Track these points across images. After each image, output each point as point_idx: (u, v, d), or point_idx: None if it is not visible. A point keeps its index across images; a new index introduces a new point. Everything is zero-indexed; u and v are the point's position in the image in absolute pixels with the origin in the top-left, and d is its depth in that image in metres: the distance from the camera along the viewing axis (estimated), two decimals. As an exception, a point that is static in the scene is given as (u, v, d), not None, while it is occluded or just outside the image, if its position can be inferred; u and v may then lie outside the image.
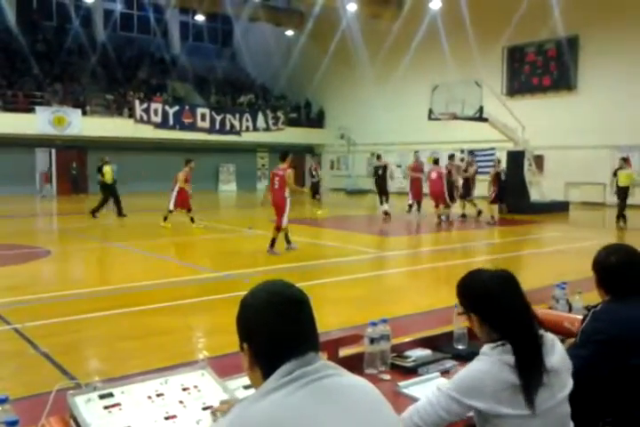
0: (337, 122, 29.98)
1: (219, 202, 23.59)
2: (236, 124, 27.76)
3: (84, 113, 24.32)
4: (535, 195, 17.85)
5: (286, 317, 1.28)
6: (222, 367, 2.16)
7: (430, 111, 17.34)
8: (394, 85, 25.56)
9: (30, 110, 23.26)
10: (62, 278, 8.35)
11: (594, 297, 2.34)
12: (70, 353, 4.71)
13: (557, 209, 17.81)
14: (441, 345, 2.54)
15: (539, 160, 20.20)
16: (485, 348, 1.73)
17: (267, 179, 23.26)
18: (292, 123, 29.82)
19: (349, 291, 7.07)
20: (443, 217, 14.82)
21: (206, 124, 26.88)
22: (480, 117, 16.23)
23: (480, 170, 17.00)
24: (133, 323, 5.58)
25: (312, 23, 27.77)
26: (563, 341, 2.30)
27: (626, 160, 14.51)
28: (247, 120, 28.07)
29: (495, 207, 15.10)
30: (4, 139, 22.20)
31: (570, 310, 2.89)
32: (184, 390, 1.80)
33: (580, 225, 15.35)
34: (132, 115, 25.14)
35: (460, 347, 2.51)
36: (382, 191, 15.67)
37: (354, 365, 2.09)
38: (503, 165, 16.16)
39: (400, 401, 1.95)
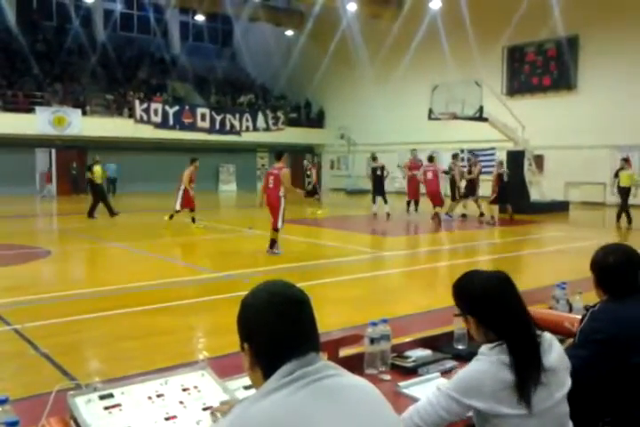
0: (337, 122, 30.00)
1: (219, 202, 23.59)
2: (236, 124, 27.77)
3: (84, 113, 24.35)
4: (535, 195, 17.85)
5: (287, 317, 1.28)
6: (222, 368, 2.17)
7: (430, 111, 17.34)
8: (394, 85, 25.57)
9: (30, 110, 23.28)
10: (62, 279, 8.35)
11: (594, 297, 2.34)
12: (70, 354, 4.71)
13: (557, 209, 17.81)
14: (441, 345, 2.54)
15: (539, 160, 20.20)
16: (483, 348, 1.73)
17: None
18: (291, 123, 29.83)
19: (349, 291, 7.07)
20: (446, 216, 14.81)
21: (206, 125, 26.89)
22: (480, 117, 16.23)
23: (482, 169, 16.99)
24: (133, 323, 5.57)
25: (312, 23, 27.79)
26: (562, 341, 2.30)
27: (626, 161, 14.53)
28: (247, 120, 28.08)
29: (495, 208, 15.09)
30: (4, 139, 22.21)
31: (570, 310, 2.89)
32: (184, 390, 1.80)
33: (580, 225, 15.34)
34: (132, 115, 25.15)
35: (461, 347, 2.51)
36: (380, 192, 15.71)
37: (354, 365, 2.09)
38: (505, 166, 16.15)
39: (400, 401, 1.95)
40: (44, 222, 16.55)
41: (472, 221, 15.05)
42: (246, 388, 1.87)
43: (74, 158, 24.94)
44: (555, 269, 8.24)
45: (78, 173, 24.92)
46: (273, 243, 9.52)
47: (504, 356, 1.67)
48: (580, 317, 2.33)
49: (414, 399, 1.91)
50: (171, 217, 13.12)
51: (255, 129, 28.23)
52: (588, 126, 20.20)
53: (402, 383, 2.12)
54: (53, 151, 24.84)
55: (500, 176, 14.98)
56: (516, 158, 17.33)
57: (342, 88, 29.30)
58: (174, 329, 5.35)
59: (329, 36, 26.54)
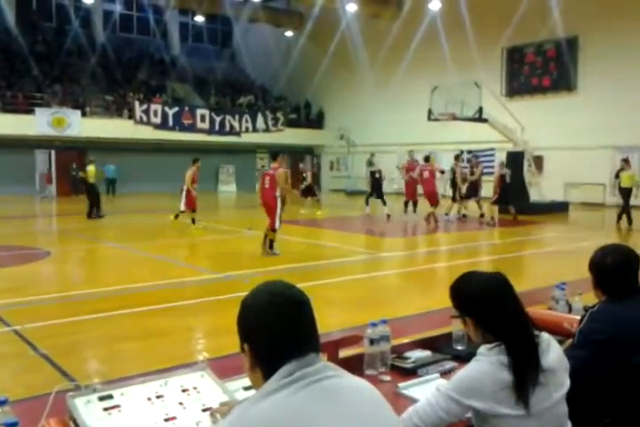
0: (336, 123, 30.00)
1: (218, 203, 23.58)
2: (236, 125, 27.78)
3: (84, 114, 24.35)
4: (535, 195, 17.86)
5: (287, 317, 1.28)
6: (222, 369, 2.16)
7: (430, 112, 17.35)
8: (393, 86, 25.55)
9: (30, 111, 23.28)
10: (62, 280, 8.35)
11: (593, 298, 2.34)
12: (70, 355, 4.70)
13: (557, 210, 17.82)
14: (440, 346, 2.54)
15: (538, 161, 20.21)
16: (482, 349, 1.73)
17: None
18: (291, 124, 29.84)
19: (349, 292, 7.07)
20: (445, 216, 14.78)
21: (206, 125, 26.90)
22: (480, 118, 16.24)
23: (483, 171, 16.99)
24: (133, 324, 5.57)
25: (312, 24, 27.79)
26: (562, 342, 2.30)
27: (626, 161, 14.54)
28: (247, 121, 28.09)
29: (496, 208, 15.10)
30: (4, 140, 22.21)
31: (570, 310, 2.89)
32: (184, 391, 1.80)
33: (580, 225, 15.35)
34: (131, 116, 25.17)
35: (460, 348, 2.51)
36: (379, 195, 15.73)
37: (354, 366, 2.08)
38: (506, 167, 16.13)
39: (400, 402, 1.95)
40: (43, 223, 16.55)
41: (472, 222, 15.06)
42: (246, 389, 1.86)
43: (73, 159, 24.94)
44: (554, 270, 8.23)
45: (78, 173, 24.94)
46: (271, 243, 9.53)
47: (503, 356, 1.67)
48: (579, 317, 2.33)
49: (414, 400, 1.91)
50: (176, 216, 13.83)
51: (255, 130, 28.25)
52: (587, 127, 20.20)
53: (401, 384, 2.12)
54: (53, 152, 24.84)
55: (502, 177, 14.98)
56: (515, 159, 17.33)
57: (342, 89, 29.31)
58: (174, 330, 5.35)
59: (328, 37, 26.55)
